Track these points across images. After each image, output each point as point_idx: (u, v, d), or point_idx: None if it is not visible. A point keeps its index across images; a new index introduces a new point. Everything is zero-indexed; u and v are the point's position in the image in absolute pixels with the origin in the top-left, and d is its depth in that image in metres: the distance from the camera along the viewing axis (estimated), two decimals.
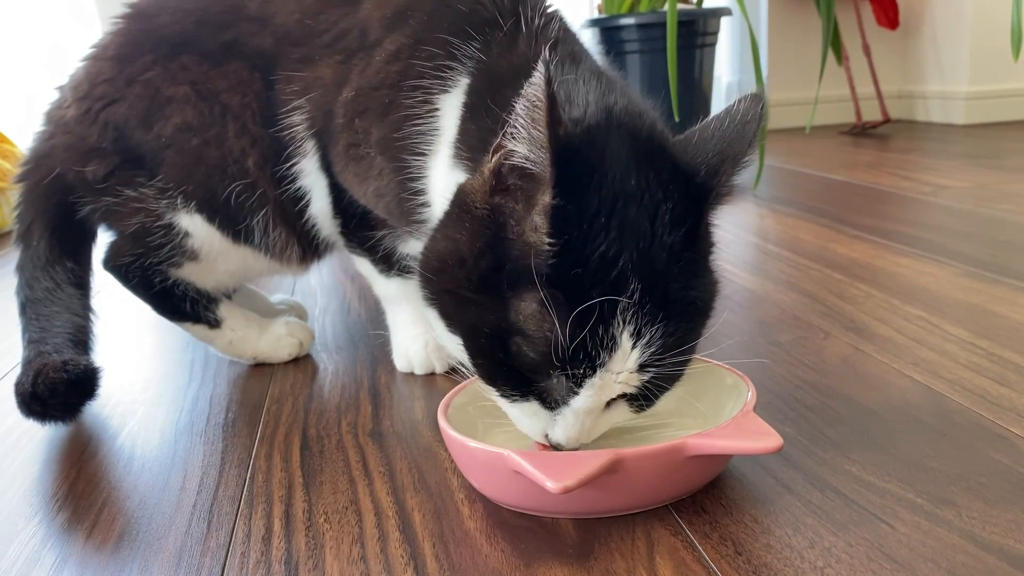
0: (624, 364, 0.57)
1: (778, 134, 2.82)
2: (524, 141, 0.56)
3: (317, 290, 1.33)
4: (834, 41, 2.58)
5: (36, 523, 0.68)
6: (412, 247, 0.89)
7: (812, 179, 2.01)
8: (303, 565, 0.59)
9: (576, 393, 0.58)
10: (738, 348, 0.95)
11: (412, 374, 0.94)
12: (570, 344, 0.55)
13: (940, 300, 1.04)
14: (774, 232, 1.49)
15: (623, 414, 0.63)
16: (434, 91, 0.77)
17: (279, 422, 0.84)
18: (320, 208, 0.92)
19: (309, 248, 0.96)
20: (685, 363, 0.61)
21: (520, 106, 0.55)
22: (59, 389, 0.82)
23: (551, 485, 0.55)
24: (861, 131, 2.76)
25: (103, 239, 0.98)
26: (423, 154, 0.78)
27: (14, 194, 1.00)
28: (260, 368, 1.00)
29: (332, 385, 0.93)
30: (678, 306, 0.57)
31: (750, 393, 0.67)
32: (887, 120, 2.77)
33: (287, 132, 0.88)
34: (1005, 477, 0.63)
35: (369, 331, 1.10)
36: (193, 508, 0.68)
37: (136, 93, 0.90)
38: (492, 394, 0.63)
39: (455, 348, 0.63)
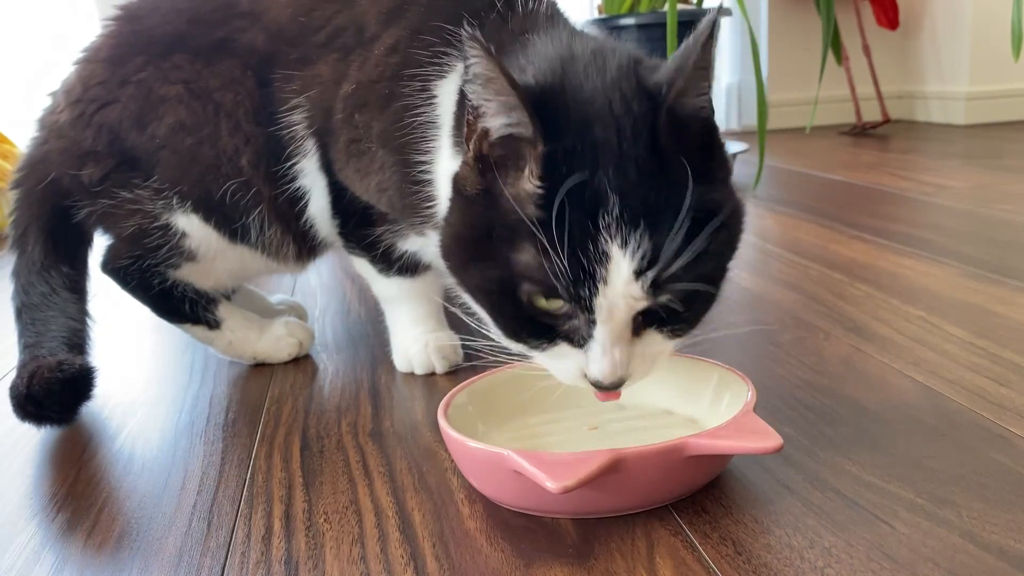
0: (620, 275, 0.58)
1: (778, 134, 2.82)
2: (496, 113, 0.60)
3: (317, 290, 1.33)
4: (834, 41, 2.57)
5: (36, 524, 0.68)
6: (412, 244, 0.89)
7: (812, 179, 2.01)
8: (303, 565, 0.59)
9: (595, 322, 0.60)
10: (738, 348, 0.95)
11: (412, 374, 0.94)
12: (567, 267, 0.57)
13: (940, 300, 1.04)
14: (774, 232, 1.49)
15: (658, 343, 0.63)
16: (431, 78, 0.78)
17: (279, 422, 0.84)
18: (319, 208, 0.92)
19: (305, 246, 0.96)
20: (701, 275, 0.60)
21: (475, 86, 0.60)
22: (55, 389, 0.82)
23: (551, 485, 0.55)
24: (861, 131, 2.76)
25: (99, 243, 0.98)
26: (427, 149, 0.78)
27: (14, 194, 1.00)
28: (260, 368, 1.00)
29: (332, 385, 0.93)
30: (663, 214, 0.58)
31: (750, 393, 0.67)
32: (887, 120, 2.77)
33: (287, 131, 0.88)
34: (1005, 477, 0.63)
35: (369, 331, 1.10)
36: (193, 508, 0.68)
37: (129, 94, 0.90)
38: (525, 351, 0.65)
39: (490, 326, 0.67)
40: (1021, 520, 0.57)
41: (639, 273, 0.58)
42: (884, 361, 0.87)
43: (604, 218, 0.57)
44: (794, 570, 0.54)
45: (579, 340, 0.61)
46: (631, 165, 0.59)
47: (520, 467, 0.58)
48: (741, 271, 1.25)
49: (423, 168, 0.79)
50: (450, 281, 0.69)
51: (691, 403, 0.74)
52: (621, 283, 0.58)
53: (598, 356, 0.61)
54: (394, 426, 0.81)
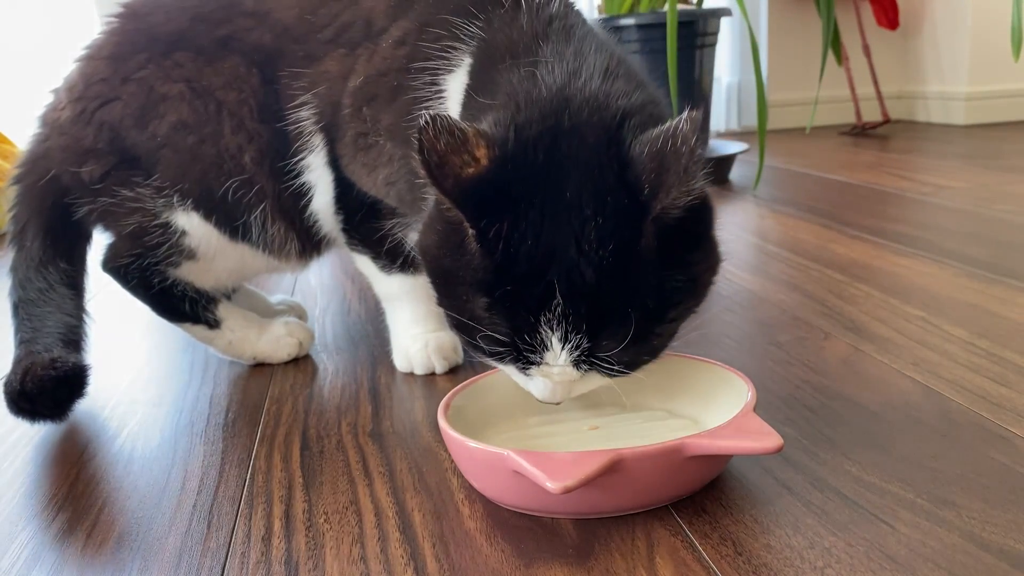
0: (556, 361, 0.62)
1: (778, 134, 2.82)
2: (441, 201, 0.62)
3: (317, 290, 1.33)
4: (834, 41, 2.57)
5: (36, 524, 0.68)
6: None
7: (812, 179, 2.01)
8: (303, 565, 0.59)
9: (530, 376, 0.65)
10: (738, 348, 0.95)
11: (412, 374, 0.94)
12: (510, 343, 0.62)
13: (940, 300, 1.04)
14: (774, 232, 1.49)
15: (597, 380, 0.66)
16: (440, 72, 0.79)
17: (279, 422, 0.84)
18: (323, 203, 0.92)
19: (309, 243, 0.96)
20: (643, 351, 0.64)
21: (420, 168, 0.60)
22: (48, 387, 0.82)
23: (551, 485, 0.55)
24: (861, 131, 2.76)
25: (99, 241, 0.98)
26: None
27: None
28: (260, 368, 1.00)
29: (332, 385, 0.93)
30: (609, 315, 0.61)
31: (750, 393, 0.67)
32: (887, 120, 2.77)
33: (295, 127, 0.88)
34: (1005, 477, 0.63)
35: (369, 331, 1.10)
36: (193, 508, 0.68)
37: (131, 92, 0.90)
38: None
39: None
40: (1021, 520, 0.57)
41: (576, 363, 0.62)
42: (884, 361, 0.87)
43: (546, 314, 0.60)
44: (794, 570, 0.54)
45: (524, 370, 0.65)
46: (588, 268, 0.59)
47: (520, 467, 0.58)
48: (741, 271, 1.25)
49: None
50: None
51: (691, 403, 0.74)
52: (557, 367, 0.62)
53: (539, 387, 0.65)
54: (394, 426, 0.81)
